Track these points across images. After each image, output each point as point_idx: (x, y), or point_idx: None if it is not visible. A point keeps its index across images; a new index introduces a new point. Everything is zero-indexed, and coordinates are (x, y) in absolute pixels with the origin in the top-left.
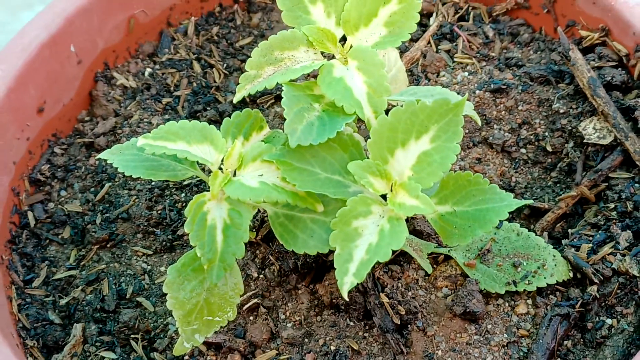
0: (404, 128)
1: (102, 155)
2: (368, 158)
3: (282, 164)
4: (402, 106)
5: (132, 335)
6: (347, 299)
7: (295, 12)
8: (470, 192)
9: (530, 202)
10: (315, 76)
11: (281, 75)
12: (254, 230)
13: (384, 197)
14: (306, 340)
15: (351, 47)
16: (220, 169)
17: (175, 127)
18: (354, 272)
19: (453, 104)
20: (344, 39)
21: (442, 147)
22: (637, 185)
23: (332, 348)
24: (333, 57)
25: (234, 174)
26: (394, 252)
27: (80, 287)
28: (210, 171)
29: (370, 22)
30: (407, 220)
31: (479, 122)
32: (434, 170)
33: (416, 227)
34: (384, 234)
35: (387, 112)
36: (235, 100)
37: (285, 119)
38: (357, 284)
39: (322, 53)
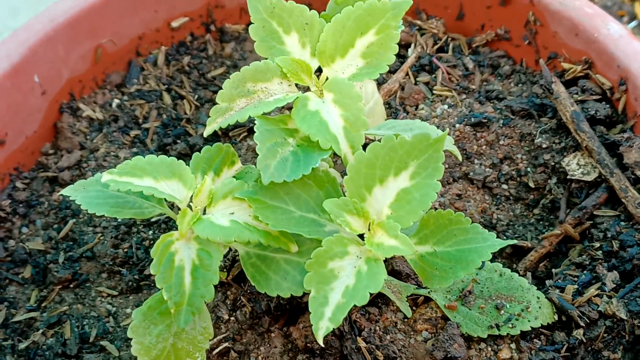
0: (382, 164)
1: (64, 192)
2: (345, 195)
3: (254, 202)
4: (380, 141)
5: None
6: (323, 344)
7: (269, 42)
8: (452, 232)
9: (514, 242)
10: (289, 109)
11: (254, 109)
12: (225, 270)
13: (361, 236)
14: None
15: (327, 79)
16: (190, 206)
17: (142, 162)
18: (329, 317)
19: (433, 139)
20: (319, 71)
21: (422, 184)
22: (622, 223)
23: None
24: (308, 89)
25: (204, 212)
26: (371, 294)
27: (40, 331)
28: (179, 209)
29: (346, 53)
30: (385, 260)
31: (460, 157)
32: (413, 208)
33: (394, 268)
34: (362, 276)
35: (364, 147)
36: (205, 134)
37: (258, 154)
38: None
39: (296, 85)
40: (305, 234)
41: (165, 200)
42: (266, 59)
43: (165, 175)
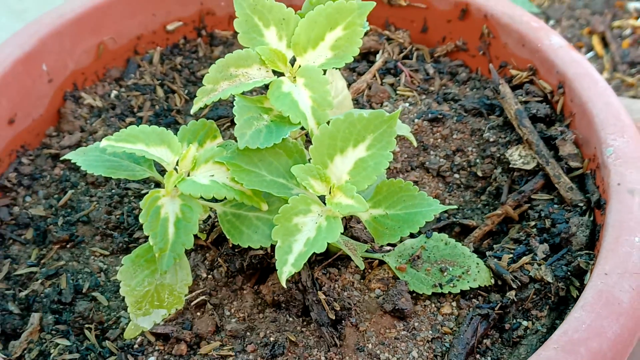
0: (342, 136)
1: (68, 156)
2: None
3: (231, 166)
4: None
5: (86, 325)
6: (286, 287)
7: (250, 35)
8: (401, 198)
9: (454, 207)
10: (266, 88)
11: (235, 88)
12: (205, 232)
13: (322, 200)
14: (248, 333)
15: (299, 66)
16: (175, 169)
17: (136, 131)
18: (292, 263)
19: (387, 116)
20: (293, 60)
21: (377, 154)
22: (555, 205)
23: (272, 339)
24: (283, 75)
25: (188, 175)
26: (332, 255)
27: (39, 281)
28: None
29: (317, 45)
30: (345, 227)
31: (415, 143)
32: (368, 174)
33: (353, 234)
34: (321, 230)
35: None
36: (192, 111)
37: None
38: (298, 284)
39: (273, 71)
40: (275, 193)
41: (155, 165)
42: (247, 48)
43: (156, 142)
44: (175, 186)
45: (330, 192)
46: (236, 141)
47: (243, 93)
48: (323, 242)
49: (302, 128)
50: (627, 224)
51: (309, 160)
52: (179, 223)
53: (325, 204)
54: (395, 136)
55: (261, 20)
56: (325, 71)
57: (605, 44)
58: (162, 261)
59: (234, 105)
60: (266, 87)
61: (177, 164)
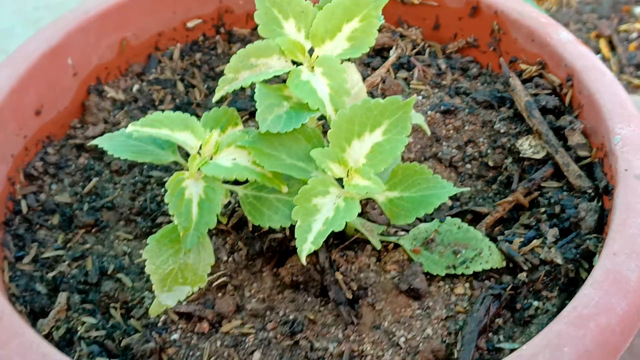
0: (360, 122)
1: (95, 142)
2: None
3: (253, 149)
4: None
5: (112, 304)
6: (305, 265)
7: (270, 26)
8: (416, 181)
9: (467, 189)
10: (284, 80)
11: (255, 77)
12: (226, 216)
13: (340, 182)
14: (268, 312)
15: (317, 57)
16: (199, 153)
17: (161, 117)
18: (312, 241)
19: (403, 102)
20: (311, 50)
21: (393, 139)
22: (564, 193)
23: (291, 318)
24: (301, 64)
25: (211, 159)
26: (349, 238)
27: (66, 263)
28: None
29: (335, 36)
30: (361, 212)
31: (428, 132)
32: (384, 157)
33: (370, 219)
34: (339, 210)
35: None
36: (214, 99)
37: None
38: (316, 265)
39: (292, 61)
40: (294, 175)
41: (178, 149)
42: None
43: (180, 127)
44: (199, 169)
45: (347, 175)
46: (256, 128)
47: (263, 82)
48: (341, 222)
49: (320, 118)
50: (634, 207)
51: (327, 145)
52: (202, 204)
53: (343, 186)
54: (411, 122)
55: (280, 12)
56: (342, 61)
57: (612, 47)
58: (186, 240)
59: (252, 99)
60: (283, 80)
61: (200, 149)
